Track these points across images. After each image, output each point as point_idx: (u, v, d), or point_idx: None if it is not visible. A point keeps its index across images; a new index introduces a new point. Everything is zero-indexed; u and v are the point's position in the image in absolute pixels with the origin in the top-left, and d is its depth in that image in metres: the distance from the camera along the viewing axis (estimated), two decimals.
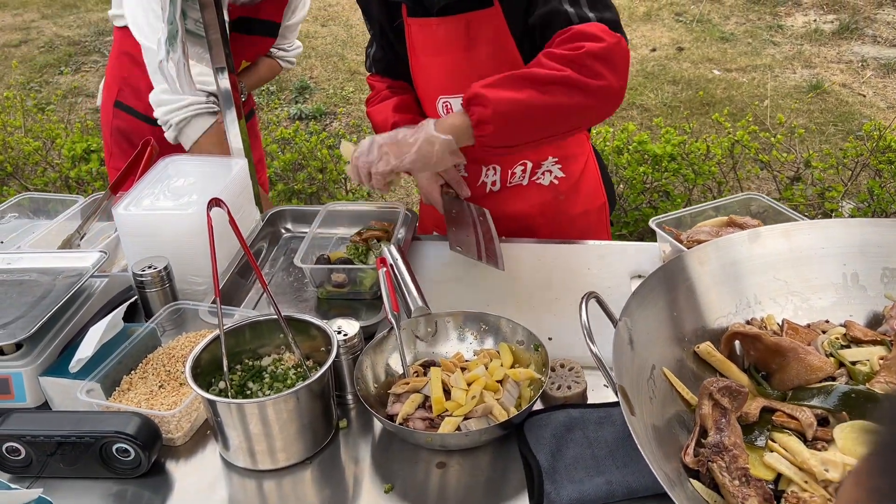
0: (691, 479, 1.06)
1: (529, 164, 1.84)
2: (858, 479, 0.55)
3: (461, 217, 1.71)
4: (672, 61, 6.05)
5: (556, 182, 1.85)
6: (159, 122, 2.02)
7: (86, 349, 1.29)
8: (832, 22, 6.77)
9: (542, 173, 1.86)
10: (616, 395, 1.02)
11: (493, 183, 1.85)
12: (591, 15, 1.49)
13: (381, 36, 1.81)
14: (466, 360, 1.32)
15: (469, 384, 1.22)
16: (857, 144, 3.40)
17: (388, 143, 1.52)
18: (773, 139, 3.51)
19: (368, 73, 1.92)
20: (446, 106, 1.72)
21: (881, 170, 3.28)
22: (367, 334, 1.38)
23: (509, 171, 1.84)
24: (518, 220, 1.87)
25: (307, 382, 1.15)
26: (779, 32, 6.68)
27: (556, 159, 1.82)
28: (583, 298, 1.13)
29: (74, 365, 1.28)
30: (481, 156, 1.76)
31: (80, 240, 1.79)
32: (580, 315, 1.09)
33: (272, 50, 2.46)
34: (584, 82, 1.41)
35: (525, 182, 1.86)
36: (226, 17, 1.83)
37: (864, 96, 5.42)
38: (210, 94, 1.95)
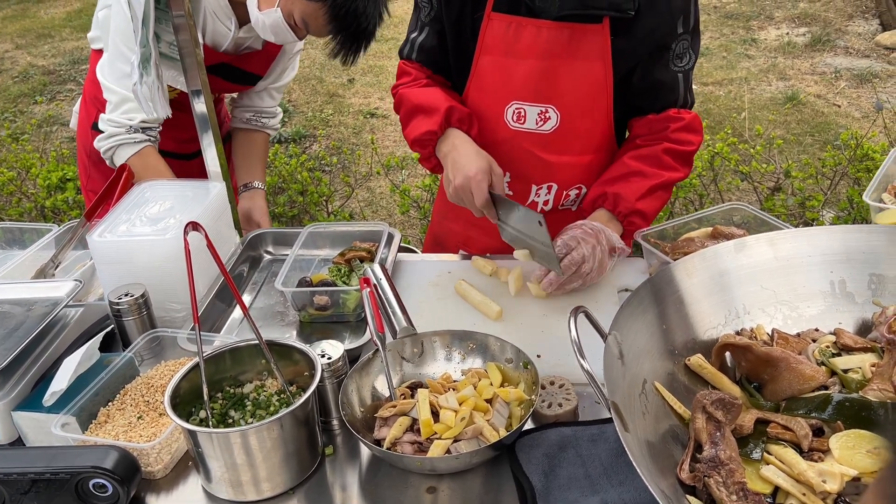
0: (688, 496, 1.03)
1: (584, 189, 1.82)
2: (880, 488, 0.54)
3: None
4: None
5: None
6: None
7: (60, 381, 1.25)
8: (804, 35, 6.87)
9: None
10: (609, 411, 0.99)
11: (546, 202, 1.82)
12: (689, 102, 1.72)
13: (437, 23, 1.74)
14: (454, 381, 1.29)
15: (459, 404, 1.19)
16: (835, 153, 3.43)
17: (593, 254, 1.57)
18: (752, 150, 3.53)
19: (402, 59, 1.85)
20: (518, 112, 1.69)
21: (860, 178, 3.30)
22: (352, 357, 1.35)
23: (564, 193, 1.81)
24: None
25: (291, 409, 1.11)
26: (753, 46, 6.77)
27: None
28: (571, 313, 1.10)
29: (49, 398, 1.24)
30: (537, 171, 1.76)
31: (55, 269, 1.75)
32: (569, 330, 1.07)
33: (263, 120, 2.43)
34: (686, 174, 1.75)
35: (574, 208, 1.86)
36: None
37: (839, 106, 5.49)
38: (132, 127, 2.02)
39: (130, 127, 2.00)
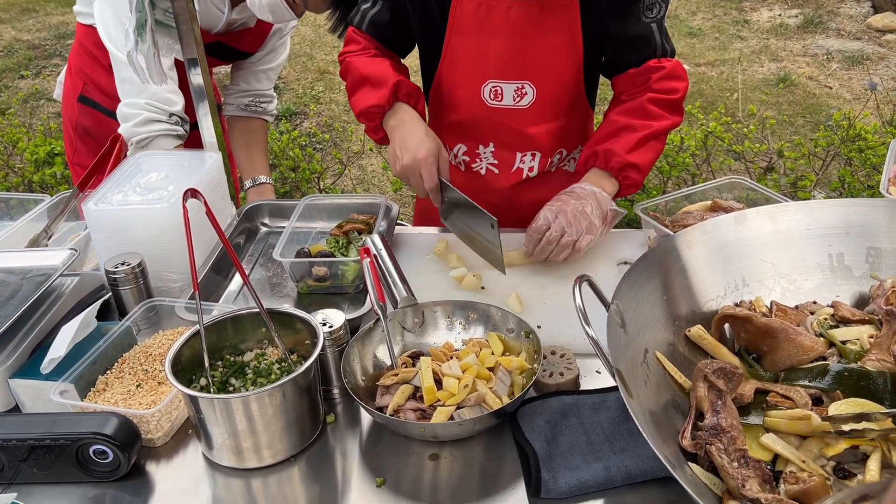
0: (689, 463, 1.04)
1: (565, 152, 1.84)
2: None
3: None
4: None
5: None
6: (123, 137, 1.93)
7: (58, 349, 1.24)
8: (797, 16, 6.87)
9: (569, 160, 1.87)
10: (614, 378, 0.99)
11: (531, 169, 1.83)
12: (668, 50, 1.69)
13: (393, 1, 1.70)
14: (456, 350, 1.29)
15: (462, 372, 1.18)
16: (827, 134, 3.44)
17: (576, 223, 1.55)
18: (745, 130, 3.53)
19: (353, 27, 1.78)
20: (495, 90, 1.68)
21: (851, 158, 3.31)
22: (351, 328, 1.34)
23: (549, 159, 1.82)
24: None
25: (293, 376, 1.11)
26: (745, 27, 6.76)
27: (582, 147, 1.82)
28: (575, 281, 1.10)
29: (46, 365, 1.23)
30: (520, 141, 1.76)
31: (48, 240, 1.73)
32: (574, 298, 1.06)
33: (262, 105, 2.36)
34: (677, 122, 1.70)
35: (553, 169, 1.86)
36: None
37: (831, 88, 5.50)
38: (173, 114, 1.89)
39: (171, 114, 1.88)
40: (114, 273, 1.43)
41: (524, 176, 1.82)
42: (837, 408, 1.09)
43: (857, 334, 1.25)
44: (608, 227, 1.63)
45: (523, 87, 1.68)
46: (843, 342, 1.24)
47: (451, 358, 1.23)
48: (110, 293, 1.47)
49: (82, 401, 1.21)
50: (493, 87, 1.68)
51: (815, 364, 1.20)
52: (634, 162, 1.63)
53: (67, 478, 1.13)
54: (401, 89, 1.65)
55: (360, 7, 1.76)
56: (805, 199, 3.26)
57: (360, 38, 1.77)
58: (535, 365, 1.21)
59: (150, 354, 1.31)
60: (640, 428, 0.91)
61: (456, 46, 1.68)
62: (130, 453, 1.11)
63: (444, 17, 1.65)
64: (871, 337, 1.23)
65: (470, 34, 1.65)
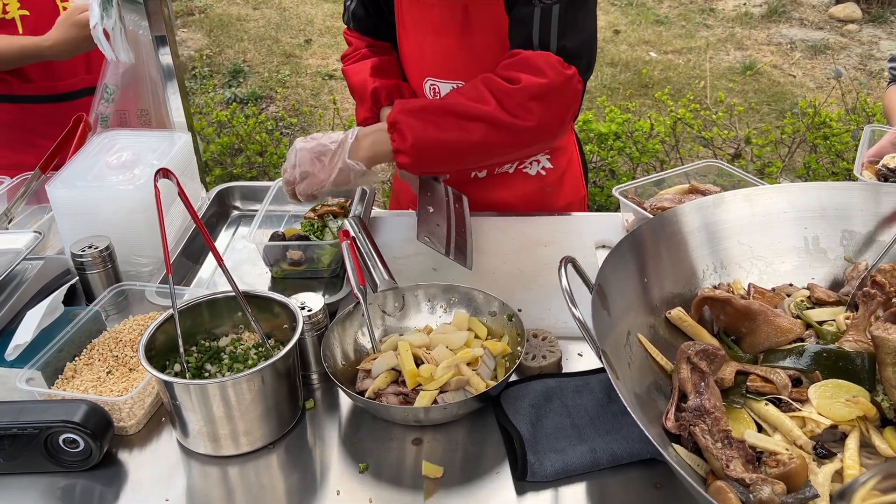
0: (673, 445, 1.04)
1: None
2: None
3: (435, 201, 1.54)
4: (609, 44, 6.11)
5: (543, 173, 1.77)
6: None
7: (23, 335, 1.19)
8: (761, 5, 6.95)
9: (531, 162, 1.78)
10: (600, 359, 0.99)
11: (479, 168, 1.76)
12: (551, 43, 1.41)
13: None
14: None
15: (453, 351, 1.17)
16: (793, 121, 3.49)
17: (309, 166, 1.42)
18: (714, 116, 3.57)
19: (346, 27, 1.79)
20: (434, 88, 1.64)
21: (817, 145, 3.37)
22: (329, 313, 1.31)
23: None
24: (501, 210, 1.74)
25: (272, 360, 1.08)
26: (711, 16, 6.83)
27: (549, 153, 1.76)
28: (561, 263, 1.09)
29: (11, 352, 1.18)
30: None
31: (8, 224, 1.66)
32: (560, 279, 1.05)
33: None
34: (509, 122, 1.36)
35: (511, 170, 1.78)
36: None
37: (795, 77, 5.59)
38: None
39: None
40: (80, 256, 1.39)
41: (472, 175, 1.77)
42: (817, 389, 1.10)
43: (832, 315, 1.27)
44: (336, 178, 1.41)
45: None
46: (820, 323, 1.25)
47: (438, 346, 1.21)
48: (77, 278, 1.42)
49: (50, 388, 1.17)
50: (431, 84, 1.65)
51: (793, 345, 1.20)
52: (402, 124, 1.37)
53: (36, 468, 1.08)
54: (381, 95, 1.64)
55: (345, 3, 1.76)
56: None
57: (351, 37, 1.78)
58: (519, 348, 1.20)
59: (121, 340, 1.27)
60: (629, 409, 0.90)
61: (402, 41, 1.66)
62: (102, 442, 1.07)
63: (391, 10, 1.63)
64: (848, 318, 1.25)
65: (409, 30, 1.62)
